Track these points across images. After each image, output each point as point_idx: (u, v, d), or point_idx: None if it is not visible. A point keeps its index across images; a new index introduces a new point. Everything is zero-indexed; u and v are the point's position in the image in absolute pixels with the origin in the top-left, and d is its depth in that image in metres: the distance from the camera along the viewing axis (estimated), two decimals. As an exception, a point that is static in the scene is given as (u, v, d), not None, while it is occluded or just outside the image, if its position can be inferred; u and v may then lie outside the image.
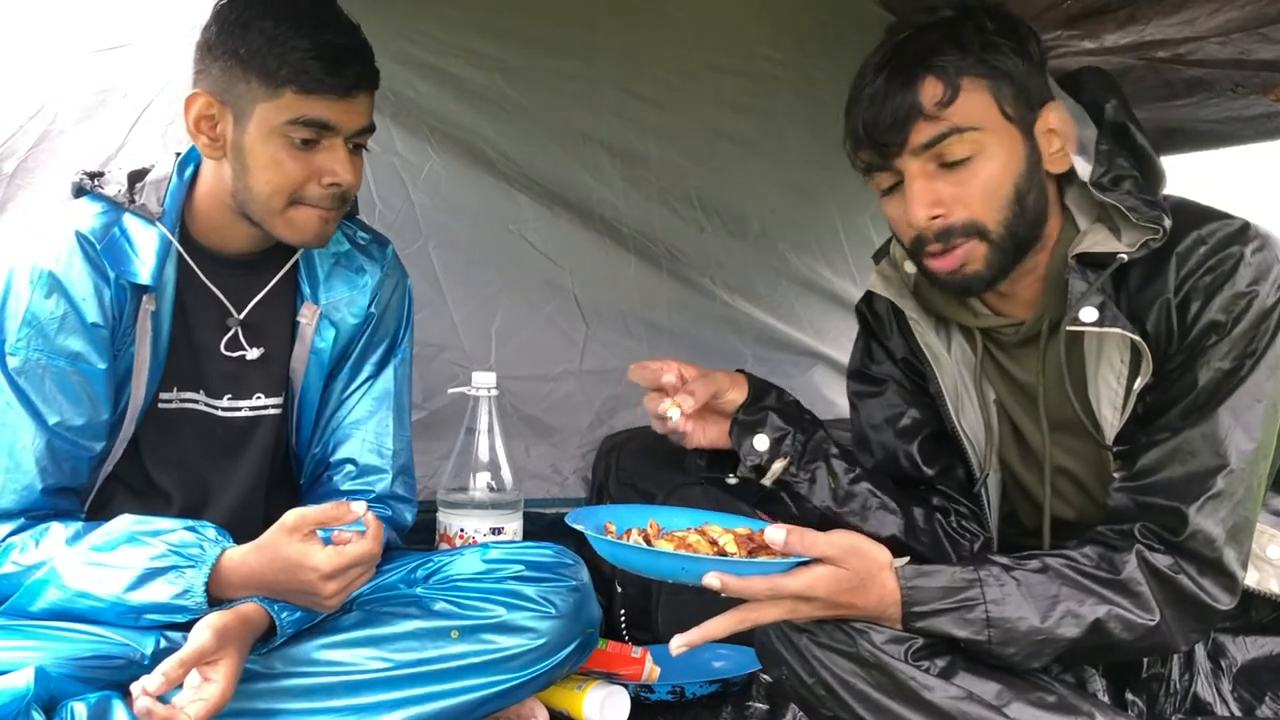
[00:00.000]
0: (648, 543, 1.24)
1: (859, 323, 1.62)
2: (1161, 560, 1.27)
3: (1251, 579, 1.35)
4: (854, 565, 1.21)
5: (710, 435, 1.41)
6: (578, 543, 1.45)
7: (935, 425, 1.52)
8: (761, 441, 1.39)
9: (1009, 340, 1.44)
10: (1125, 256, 1.29)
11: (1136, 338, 1.28)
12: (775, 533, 1.19)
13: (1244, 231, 1.29)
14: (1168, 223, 1.28)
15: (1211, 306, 1.27)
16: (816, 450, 1.42)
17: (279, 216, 1.55)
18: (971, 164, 1.30)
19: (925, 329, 1.47)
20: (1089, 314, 1.28)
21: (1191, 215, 1.31)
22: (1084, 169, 1.35)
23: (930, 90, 1.29)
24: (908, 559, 1.28)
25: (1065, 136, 1.34)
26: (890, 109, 1.29)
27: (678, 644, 1.20)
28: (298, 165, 1.52)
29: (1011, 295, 1.41)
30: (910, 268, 1.49)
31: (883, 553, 1.24)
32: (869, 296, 1.58)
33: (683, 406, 1.34)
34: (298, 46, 1.47)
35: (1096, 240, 1.32)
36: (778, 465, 1.39)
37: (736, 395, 1.40)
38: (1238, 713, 1.37)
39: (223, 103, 1.51)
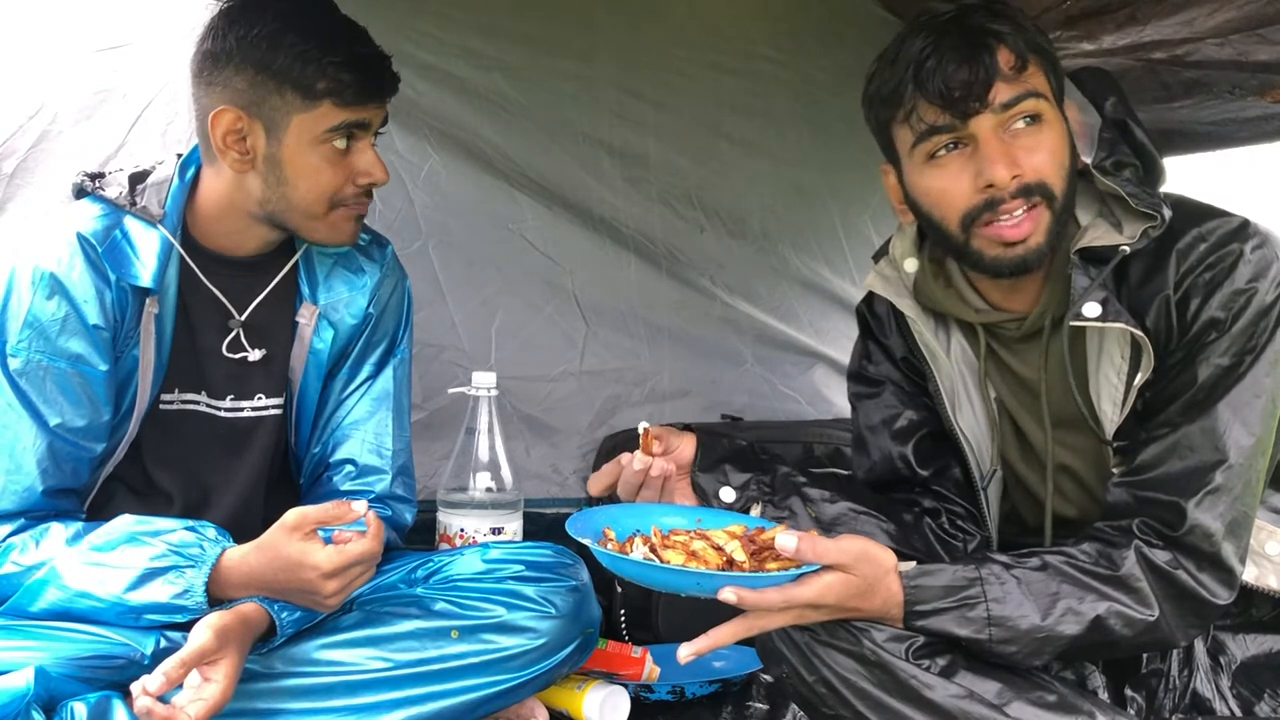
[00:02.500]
0: (654, 553, 1.24)
1: (859, 324, 1.62)
2: (1160, 556, 1.27)
3: (1250, 575, 1.35)
4: (863, 571, 1.21)
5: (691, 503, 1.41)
6: (577, 543, 1.45)
7: (933, 426, 1.52)
8: (727, 494, 1.40)
9: (1011, 336, 1.45)
10: (1127, 249, 1.30)
11: (1139, 333, 1.29)
12: (786, 540, 1.18)
13: (1243, 229, 1.30)
14: (1166, 212, 1.29)
15: (1211, 303, 1.28)
16: (785, 485, 1.43)
17: (320, 221, 1.57)
18: (1041, 128, 1.32)
19: (924, 329, 1.48)
20: (1092, 309, 1.29)
21: (1191, 212, 1.32)
22: (1087, 154, 1.37)
23: (1005, 56, 1.31)
24: (914, 563, 1.28)
25: (1079, 134, 1.37)
26: (969, 69, 1.30)
27: (685, 653, 1.19)
28: (335, 170, 1.55)
29: (1015, 289, 1.42)
30: (910, 266, 1.49)
31: (889, 556, 1.24)
32: (869, 297, 1.58)
33: (653, 448, 1.37)
34: (333, 61, 1.49)
35: (1097, 235, 1.33)
36: (755, 511, 1.40)
37: (686, 447, 1.42)
38: (1237, 710, 1.37)
39: (251, 116, 1.52)
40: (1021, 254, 1.33)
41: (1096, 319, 1.29)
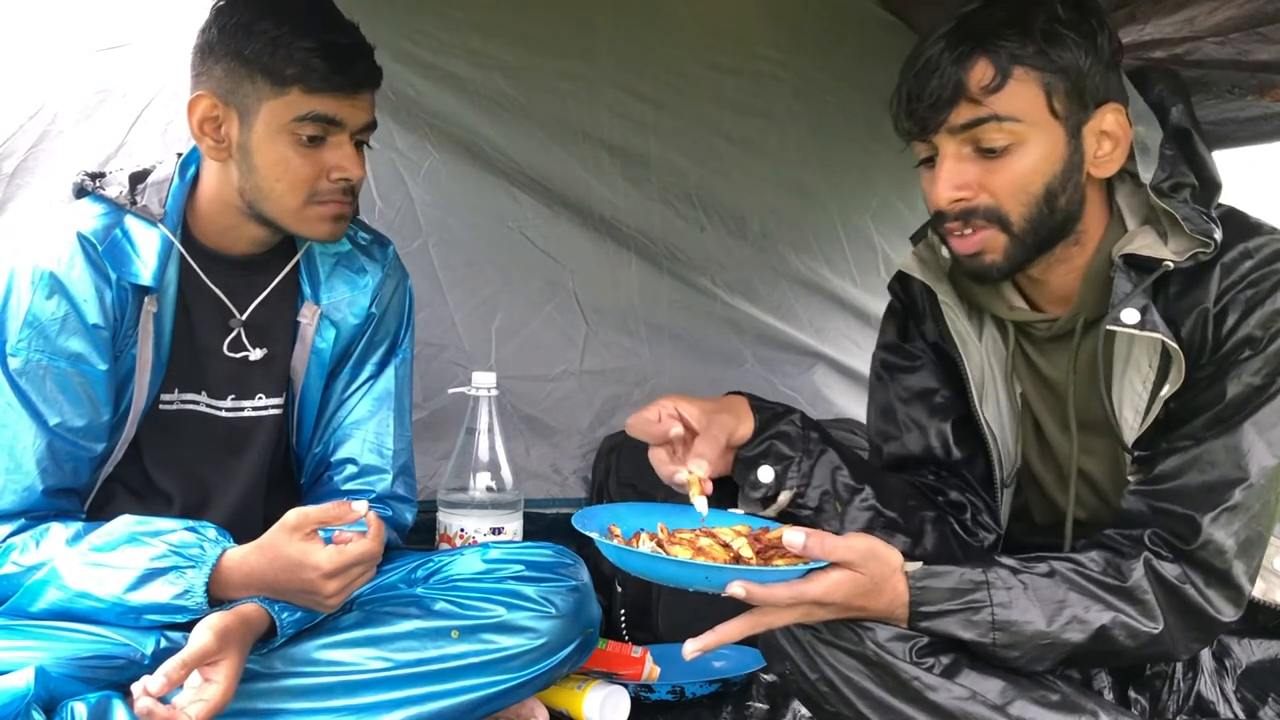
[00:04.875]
0: (661, 548, 1.23)
1: (892, 299, 1.58)
2: (1169, 569, 1.27)
3: (1258, 590, 1.35)
4: (870, 569, 1.20)
5: (713, 468, 1.35)
6: (578, 543, 1.44)
7: (964, 411, 1.49)
8: (766, 474, 1.35)
9: (1041, 335, 1.43)
10: (1171, 264, 1.28)
11: (1173, 344, 1.27)
12: (794, 536, 1.17)
13: None
14: (1218, 235, 1.27)
15: (1249, 321, 1.26)
16: (823, 475, 1.38)
17: (295, 214, 1.56)
18: (1007, 154, 1.28)
19: (957, 315, 1.46)
20: (1130, 316, 1.27)
21: (1240, 227, 1.30)
22: (1146, 171, 1.32)
23: (980, 73, 1.27)
24: (920, 563, 1.28)
25: (1119, 141, 1.31)
26: (936, 84, 1.27)
27: (691, 649, 1.18)
28: (305, 163, 1.53)
29: (1047, 288, 1.40)
30: (948, 252, 1.47)
31: (895, 556, 1.23)
32: (903, 278, 1.55)
33: (698, 473, 1.28)
34: (303, 46, 1.48)
35: (1145, 243, 1.30)
36: (784, 497, 1.36)
37: (745, 432, 1.35)
38: (1240, 714, 1.37)
39: (227, 104, 1.52)
40: (976, 266, 1.34)
41: (1134, 326, 1.27)
